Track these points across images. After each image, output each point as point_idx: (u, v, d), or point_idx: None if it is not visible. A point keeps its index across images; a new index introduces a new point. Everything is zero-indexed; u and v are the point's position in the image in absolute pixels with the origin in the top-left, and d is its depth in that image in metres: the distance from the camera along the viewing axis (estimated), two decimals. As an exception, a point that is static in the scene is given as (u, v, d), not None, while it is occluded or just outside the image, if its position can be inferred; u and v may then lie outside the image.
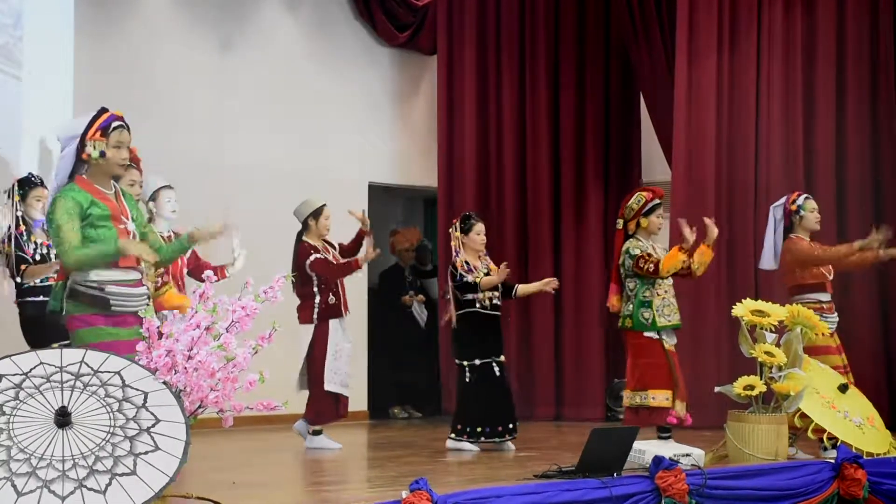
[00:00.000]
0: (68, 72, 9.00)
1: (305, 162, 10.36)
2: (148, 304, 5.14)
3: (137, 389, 4.28)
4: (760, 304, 7.13)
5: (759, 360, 6.89)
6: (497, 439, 7.83)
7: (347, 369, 8.05)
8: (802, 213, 7.74)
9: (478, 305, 7.80)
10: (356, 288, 10.75)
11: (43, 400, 4.17)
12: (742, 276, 9.74)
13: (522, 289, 8.14)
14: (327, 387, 7.84)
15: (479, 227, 7.95)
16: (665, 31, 10.51)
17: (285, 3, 10.52)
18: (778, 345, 7.01)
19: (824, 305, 7.57)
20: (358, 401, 10.76)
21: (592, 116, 11.14)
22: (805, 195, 7.91)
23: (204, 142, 9.81)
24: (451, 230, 8.03)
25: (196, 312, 4.56)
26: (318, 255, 7.95)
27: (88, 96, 8.85)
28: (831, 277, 7.73)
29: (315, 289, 7.91)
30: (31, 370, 4.26)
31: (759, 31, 9.85)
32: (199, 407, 4.54)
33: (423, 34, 11.19)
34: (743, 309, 7.08)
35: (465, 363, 7.85)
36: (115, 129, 5.09)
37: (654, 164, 11.08)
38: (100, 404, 4.19)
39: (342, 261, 8.07)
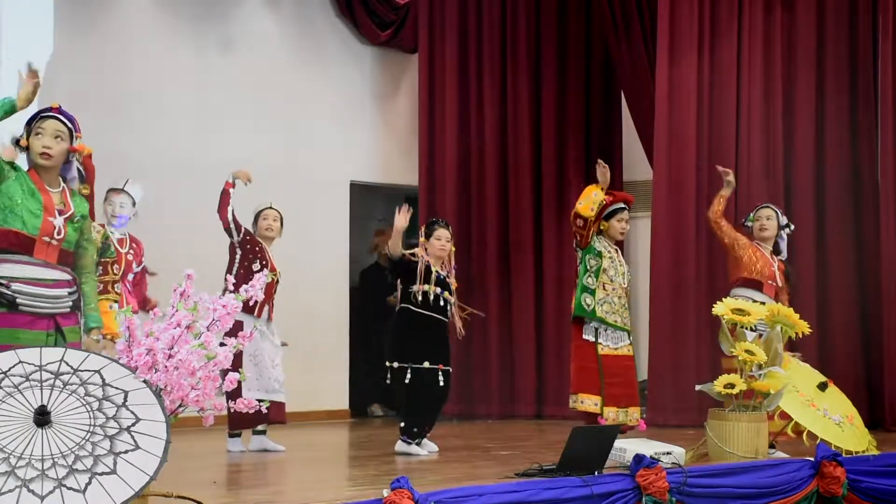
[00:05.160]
0: (48, 70, 8.94)
1: (287, 160, 10.34)
2: (71, 309, 4.98)
3: (117, 388, 4.26)
4: (741, 303, 7.16)
5: (740, 358, 6.91)
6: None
7: (277, 374, 7.72)
8: (748, 223, 8.15)
9: (410, 300, 7.32)
10: (337, 287, 10.79)
11: (22, 399, 4.14)
12: (721, 275, 9.76)
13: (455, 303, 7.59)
14: (248, 394, 7.25)
15: (440, 233, 7.47)
16: (646, 29, 10.55)
17: (267, 2, 10.49)
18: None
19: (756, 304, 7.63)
20: (339, 400, 10.75)
21: (574, 115, 11.16)
22: (759, 206, 8.25)
23: (186, 141, 9.78)
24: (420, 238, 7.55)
25: (177, 311, 4.56)
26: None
27: (69, 95, 8.80)
28: (772, 282, 7.80)
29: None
30: (9, 369, 4.24)
31: (740, 30, 9.89)
32: (180, 406, 4.53)
33: (405, 32, 11.17)
34: (723, 307, 7.10)
35: (386, 363, 7.39)
36: (39, 119, 5.01)
37: (636, 164, 11.10)
38: (79, 403, 4.17)
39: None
